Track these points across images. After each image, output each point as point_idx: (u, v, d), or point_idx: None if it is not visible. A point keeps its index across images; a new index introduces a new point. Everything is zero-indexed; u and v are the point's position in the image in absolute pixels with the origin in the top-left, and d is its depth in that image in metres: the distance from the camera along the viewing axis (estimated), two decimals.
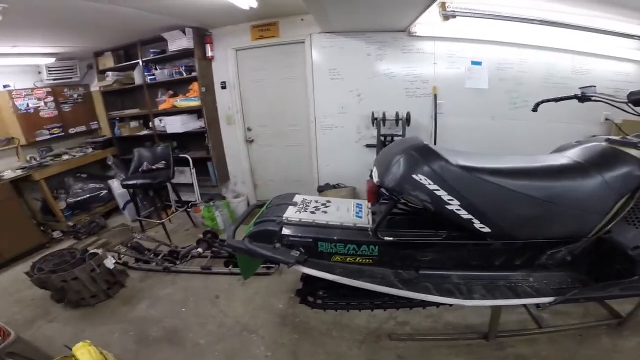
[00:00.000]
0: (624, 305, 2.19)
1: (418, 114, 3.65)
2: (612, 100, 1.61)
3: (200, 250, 2.99)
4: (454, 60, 3.61)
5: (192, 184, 4.24)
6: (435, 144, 3.69)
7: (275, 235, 1.57)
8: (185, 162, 4.18)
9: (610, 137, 1.59)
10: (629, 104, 1.46)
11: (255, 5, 2.90)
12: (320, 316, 2.28)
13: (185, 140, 4.48)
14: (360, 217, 1.68)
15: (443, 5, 3.28)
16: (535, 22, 3.26)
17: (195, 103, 3.99)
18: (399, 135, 3.49)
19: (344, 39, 3.65)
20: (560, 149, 1.73)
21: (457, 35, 3.51)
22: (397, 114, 3.52)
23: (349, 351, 2.05)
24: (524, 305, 2.07)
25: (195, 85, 4.01)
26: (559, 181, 1.41)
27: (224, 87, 4.13)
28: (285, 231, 1.58)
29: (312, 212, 1.71)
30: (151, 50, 4.07)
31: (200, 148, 4.35)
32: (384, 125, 3.60)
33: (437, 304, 1.65)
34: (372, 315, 2.27)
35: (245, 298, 2.62)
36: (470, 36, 3.51)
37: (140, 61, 4.09)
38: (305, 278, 1.92)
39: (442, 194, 1.33)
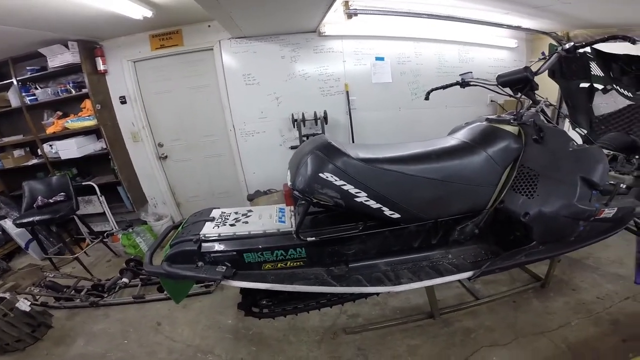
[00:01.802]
0: (541, 267, 2.48)
1: (334, 112, 3.77)
2: (486, 84, 1.81)
3: (126, 280, 2.70)
4: (361, 57, 3.81)
5: (104, 213, 3.76)
6: (352, 139, 3.87)
7: (194, 254, 1.50)
8: (91, 190, 3.68)
9: (489, 116, 1.78)
10: (498, 86, 1.65)
11: (150, 15, 2.66)
12: (272, 324, 2.23)
13: (86, 165, 3.96)
14: (284, 221, 1.67)
15: (346, 3, 3.43)
16: (424, 16, 3.59)
17: (90, 123, 3.53)
18: (319, 134, 3.55)
19: (257, 43, 3.58)
20: (452, 132, 1.90)
21: (361, 33, 3.70)
22: (315, 114, 3.59)
23: (310, 353, 2.02)
24: (459, 280, 2.18)
25: (87, 103, 3.55)
26: (452, 161, 1.53)
27: (123, 102, 3.74)
28: (205, 249, 1.52)
29: (232, 225, 1.66)
30: (28, 68, 3.47)
31: (106, 172, 3.92)
32: (304, 125, 3.64)
33: (374, 294, 1.70)
34: (323, 313, 2.26)
35: (190, 320, 2.45)
36: (372, 33, 3.73)
37: (14, 80, 3.46)
38: (245, 290, 1.85)
39: (349, 188, 1.36)
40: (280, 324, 2.23)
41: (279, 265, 1.53)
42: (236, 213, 1.79)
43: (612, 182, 1.71)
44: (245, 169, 3.98)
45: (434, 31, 3.91)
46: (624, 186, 1.70)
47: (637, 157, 1.94)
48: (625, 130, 2.03)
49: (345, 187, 1.36)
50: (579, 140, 2.00)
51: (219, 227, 1.64)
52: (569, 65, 2.23)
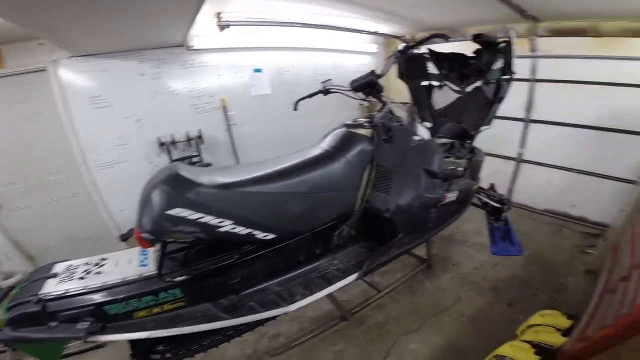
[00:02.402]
0: (422, 250, 2.70)
1: (211, 129, 3.52)
2: (342, 90, 1.85)
3: None
4: (237, 70, 3.66)
5: None
6: (236, 156, 3.69)
7: (40, 315, 1.28)
8: None
9: (346, 122, 1.82)
10: (352, 91, 1.71)
11: None
12: None
13: None
14: (147, 264, 1.47)
15: (218, 15, 3.23)
16: (298, 25, 3.59)
17: None
18: (195, 156, 3.27)
19: (106, 61, 3.07)
20: (320, 140, 1.89)
21: (236, 45, 3.56)
22: (187, 134, 3.28)
23: None
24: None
25: None
26: (315, 171, 1.52)
27: None
28: (54, 307, 1.29)
29: (82, 278, 1.42)
30: None
31: None
32: (175, 148, 3.29)
33: (269, 319, 1.60)
34: (242, 341, 2.05)
35: None
36: (248, 44, 3.63)
37: None
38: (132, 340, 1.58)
39: (209, 219, 1.23)
40: None
41: (154, 310, 1.37)
42: (86, 264, 1.52)
43: (451, 167, 1.92)
44: (110, 206, 3.38)
45: (309, 40, 4.02)
46: (461, 169, 1.91)
47: (468, 142, 2.25)
48: (457, 120, 2.33)
49: (203, 220, 1.22)
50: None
51: (64, 282, 1.38)
52: (412, 66, 2.44)
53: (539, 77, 3.49)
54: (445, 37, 1.67)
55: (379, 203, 1.65)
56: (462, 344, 2.00)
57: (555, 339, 1.73)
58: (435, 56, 2.39)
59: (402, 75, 2.44)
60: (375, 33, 4.31)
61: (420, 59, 2.39)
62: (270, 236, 1.40)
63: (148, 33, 2.79)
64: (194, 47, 3.33)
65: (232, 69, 3.62)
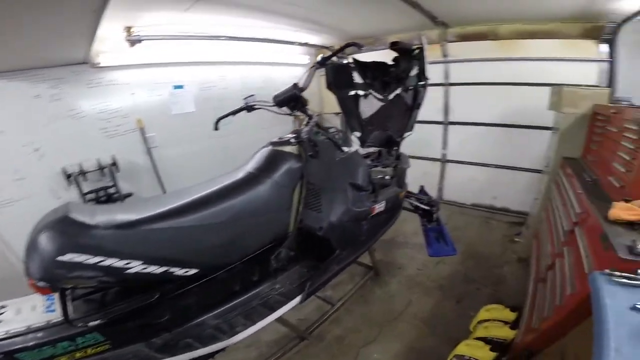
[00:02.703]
0: (368, 257, 2.69)
1: (128, 155, 3.16)
2: (267, 106, 1.76)
3: None
4: (154, 87, 3.33)
5: None
6: (160, 183, 3.38)
7: None
8: None
9: (272, 140, 1.74)
10: (276, 106, 1.63)
11: None
12: None
13: None
14: (53, 310, 1.33)
15: (129, 30, 2.92)
16: (223, 38, 3.44)
17: None
18: (111, 187, 2.90)
19: None
20: (245, 162, 1.78)
21: (152, 61, 3.24)
22: (99, 162, 2.89)
23: None
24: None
25: None
26: (236, 198, 1.41)
27: None
28: None
29: None
30: None
31: None
32: (85, 179, 2.87)
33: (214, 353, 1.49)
34: None
35: None
36: (166, 60, 3.33)
37: None
38: None
39: (112, 262, 1.11)
40: None
41: (77, 355, 1.26)
42: None
43: (379, 176, 1.92)
44: (16, 247, 2.81)
45: (236, 54, 3.86)
46: (388, 177, 1.93)
47: (394, 149, 2.31)
48: (383, 128, 2.38)
49: (105, 263, 1.11)
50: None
51: None
52: (339, 77, 2.46)
53: (452, 81, 3.80)
54: (358, 46, 1.69)
55: (312, 221, 1.61)
56: (421, 347, 2.03)
57: (505, 333, 1.82)
58: (360, 65, 2.43)
59: (330, 85, 2.45)
60: (306, 44, 4.33)
61: (347, 69, 2.43)
62: (192, 271, 1.29)
63: (39, 50, 2.41)
64: (101, 65, 2.97)
65: (149, 87, 3.30)
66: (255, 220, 1.45)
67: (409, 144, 2.84)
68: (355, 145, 2.47)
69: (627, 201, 1.21)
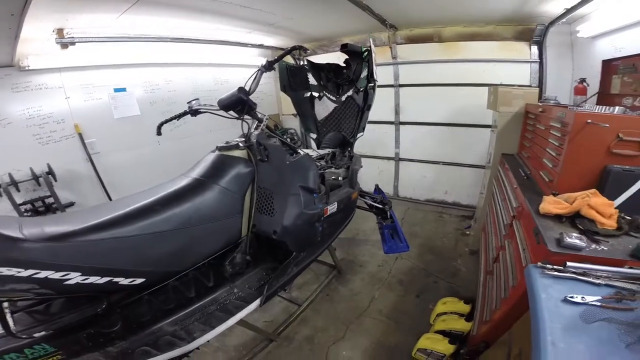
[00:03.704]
0: (329, 257, 2.72)
1: (67, 163, 2.91)
2: (212, 110, 1.68)
3: None
4: (92, 91, 3.09)
5: None
6: (105, 190, 3.16)
7: None
8: None
9: (219, 144, 1.68)
10: (223, 110, 1.57)
11: None
12: None
13: None
14: None
15: (60, 32, 2.67)
16: (168, 40, 3.30)
17: None
18: (48, 197, 2.64)
19: None
20: (190, 168, 1.70)
21: (88, 63, 3.01)
22: (32, 171, 2.62)
23: None
24: (277, 294, 2.07)
25: None
26: (182, 205, 1.35)
27: None
28: None
29: None
30: None
31: None
32: (18, 190, 2.59)
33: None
34: None
35: None
36: (105, 62, 3.11)
37: None
38: None
39: (48, 274, 1.06)
40: None
41: None
42: None
43: (332, 177, 1.94)
44: None
45: (183, 55, 3.69)
46: (341, 178, 1.96)
47: (348, 149, 2.34)
48: (337, 129, 2.40)
49: (39, 275, 1.04)
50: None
51: None
52: (294, 79, 2.45)
53: (401, 82, 3.95)
54: (303, 49, 1.71)
55: (266, 226, 1.59)
56: (388, 342, 2.08)
57: (461, 325, 1.92)
58: (314, 67, 2.44)
59: (284, 88, 2.43)
60: (260, 46, 4.25)
61: (302, 71, 2.42)
62: (138, 281, 1.25)
63: None
64: (29, 67, 2.69)
65: (85, 90, 3.05)
66: (203, 227, 1.40)
67: (364, 144, 2.91)
68: (312, 146, 2.49)
69: (554, 195, 1.32)
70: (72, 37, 2.73)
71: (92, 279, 1.15)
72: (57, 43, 2.71)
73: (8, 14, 1.81)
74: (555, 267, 0.96)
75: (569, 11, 2.46)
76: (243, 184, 1.53)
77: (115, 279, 1.20)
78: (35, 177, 2.65)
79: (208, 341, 1.52)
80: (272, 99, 4.92)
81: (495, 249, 1.88)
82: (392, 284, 2.63)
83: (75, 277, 1.12)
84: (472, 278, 2.51)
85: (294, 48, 1.69)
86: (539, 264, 0.99)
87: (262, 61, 1.66)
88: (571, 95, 2.62)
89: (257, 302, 1.55)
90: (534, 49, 3.11)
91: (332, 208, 1.74)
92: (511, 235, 1.57)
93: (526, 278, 1.00)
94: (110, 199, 3.23)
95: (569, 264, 0.95)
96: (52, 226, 1.14)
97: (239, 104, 1.53)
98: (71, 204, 2.96)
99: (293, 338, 2.15)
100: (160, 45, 3.36)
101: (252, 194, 1.57)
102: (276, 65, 2.37)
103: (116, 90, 3.23)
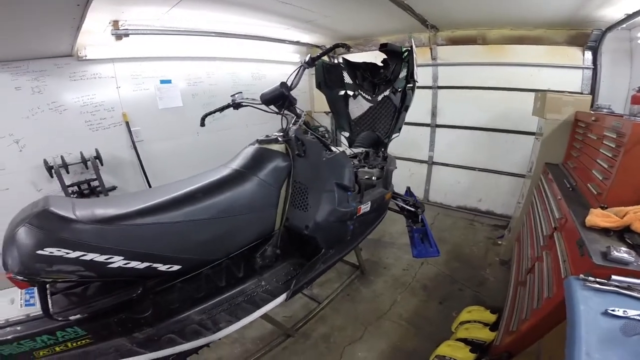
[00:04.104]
0: (353, 257, 2.70)
1: (113, 149, 3.10)
2: (254, 104, 1.74)
3: None
4: (141, 82, 3.28)
5: None
6: (145, 177, 3.32)
7: None
8: None
9: (259, 137, 1.72)
10: (264, 104, 1.61)
11: None
12: None
13: None
14: (33, 304, 1.32)
15: (115, 23, 2.86)
16: (212, 34, 3.41)
17: None
18: (93, 180, 2.83)
19: None
20: (231, 160, 1.76)
21: (139, 55, 3.19)
22: (82, 155, 2.83)
23: None
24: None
25: None
26: (222, 194, 1.39)
27: None
28: None
29: None
30: None
31: None
32: (67, 172, 2.80)
33: (197, 349, 1.48)
34: None
35: None
36: (153, 54, 3.28)
37: None
38: None
39: (94, 256, 1.09)
40: None
41: (57, 349, 1.24)
42: None
43: (366, 177, 1.93)
44: None
45: (225, 50, 3.81)
46: (375, 178, 1.95)
47: (382, 150, 2.32)
48: (371, 129, 2.38)
49: (86, 258, 1.08)
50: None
51: None
52: (329, 76, 2.46)
53: (440, 84, 3.84)
54: (346, 47, 1.71)
55: (298, 220, 1.60)
56: (405, 347, 2.04)
57: (485, 335, 1.85)
58: (350, 66, 2.43)
59: (319, 85, 2.44)
60: (297, 43, 4.31)
61: (337, 69, 2.43)
62: (175, 267, 1.27)
63: (21, 42, 2.36)
64: (87, 57, 2.90)
65: (135, 80, 3.24)
66: (241, 217, 1.43)
67: (397, 145, 2.85)
68: (343, 145, 2.49)
69: (603, 208, 1.25)
70: (126, 29, 2.88)
71: (133, 264, 1.19)
72: (112, 34, 2.87)
73: (74, 4, 1.91)
74: (598, 279, 0.92)
75: (630, 17, 2.29)
76: (280, 177, 1.56)
77: (155, 265, 1.23)
78: (84, 161, 2.86)
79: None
80: (305, 95, 4.96)
81: (530, 260, 1.80)
82: (416, 288, 2.58)
83: (118, 261, 1.15)
84: (501, 288, 2.40)
85: (336, 45, 1.70)
86: (581, 275, 0.95)
87: (305, 58, 1.67)
88: (627, 105, 2.44)
89: (283, 297, 1.57)
90: (588, 54, 2.92)
91: (365, 207, 1.74)
92: (550, 247, 1.50)
93: (565, 289, 0.96)
94: (150, 186, 3.40)
95: (613, 277, 0.91)
96: (102, 208, 1.19)
97: (281, 98, 1.56)
98: (114, 188, 3.16)
99: (310, 335, 2.16)
100: (204, 39, 3.48)
101: (287, 187, 1.60)
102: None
103: (162, 81, 3.41)
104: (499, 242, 3.16)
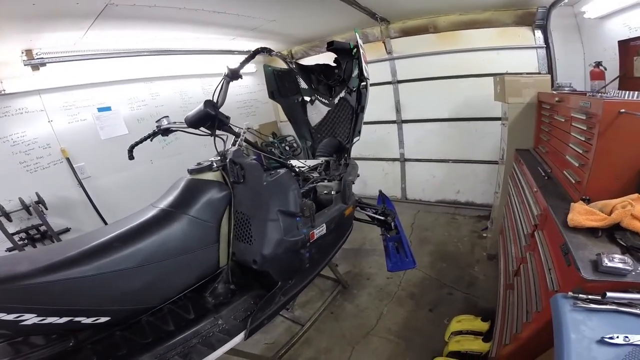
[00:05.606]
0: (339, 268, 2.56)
1: (58, 189, 2.81)
2: (182, 128, 1.54)
3: None
4: (76, 112, 2.99)
5: None
6: (100, 215, 3.07)
7: None
8: None
9: (190, 167, 1.51)
10: (191, 128, 1.41)
11: None
12: None
13: None
14: None
15: (29, 52, 2.55)
16: (150, 53, 3.18)
17: None
18: (39, 226, 2.54)
19: None
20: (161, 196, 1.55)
21: (68, 83, 2.91)
22: (21, 201, 2.52)
23: None
24: (279, 314, 1.91)
25: None
26: (146, 240, 1.21)
27: None
28: None
29: None
30: None
31: None
32: (9, 220, 2.50)
33: None
34: None
35: None
36: (85, 80, 3.00)
37: None
38: None
39: (1, 315, 0.97)
40: None
41: None
42: None
43: (325, 192, 1.74)
44: None
45: (169, 68, 3.57)
46: (334, 192, 1.75)
47: (345, 155, 2.14)
48: (332, 135, 2.21)
49: None
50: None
51: None
52: (283, 84, 2.30)
53: (399, 78, 3.72)
54: (267, 51, 1.61)
55: (244, 255, 1.42)
56: None
57: (478, 346, 1.73)
58: (303, 70, 2.26)
59: (272, 95, 2.25)
60: (248, 52, 4.08)
61: (291, 75, 2.24)
62: (103, 319, 1.15)
63: None
64: (5, 92, 2.60)
65: (68, 112, 2.94)
66: (172, 261, 1.26)
67: (366, 146, 2.70)
68: (301, 156, 2.30)
69: (585, 201, 1.09)
70: (42, 58, 2.59)
71: (50, 319, 1.06)
72: (25, 65, 2.55)
73: None
74: (590, 297, 0.76)
75: None
76: (217, 210, 1.36)
77: (77, 318, 1.10)
78: (26, 207, 2.55)
79: None
80: (267, 106, 4.76)
81: (515, 260, 1.65)
82: (402, 297, 2.42)
83: (31, 318, 1.02)
84: (492, 286, 2.27)
85: (256, 52, 1.54)
86: (570, 293, 0.79)
87: (225, 70, 1.47)
88: (587, 81, 2.39)
89: (241, 336, 1.40)
90: (538, 33, 2.87)
91: (319, 231, 1.54)
92: (533, 248, 1.34)
93: (552, 310, 0.80)
94: (105, 223, 3.12)
95: (609, 294, 0.75)
96: (8, 266, 1.05)
97: (208, 119, 1.35)
98: (67, 230, 2.87)
99: None
100: (142, 59, 3.23)
101: (230, 219, 1.40)
102: (262, 71, 2.25)
103: (100, 109, 3.12)
104: (484, 235, 3.04)
